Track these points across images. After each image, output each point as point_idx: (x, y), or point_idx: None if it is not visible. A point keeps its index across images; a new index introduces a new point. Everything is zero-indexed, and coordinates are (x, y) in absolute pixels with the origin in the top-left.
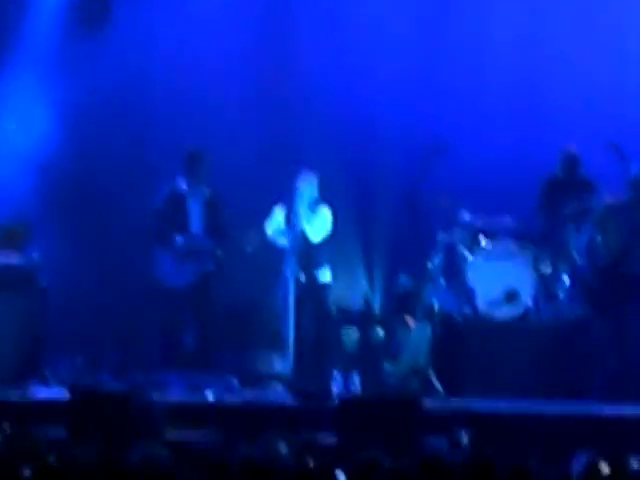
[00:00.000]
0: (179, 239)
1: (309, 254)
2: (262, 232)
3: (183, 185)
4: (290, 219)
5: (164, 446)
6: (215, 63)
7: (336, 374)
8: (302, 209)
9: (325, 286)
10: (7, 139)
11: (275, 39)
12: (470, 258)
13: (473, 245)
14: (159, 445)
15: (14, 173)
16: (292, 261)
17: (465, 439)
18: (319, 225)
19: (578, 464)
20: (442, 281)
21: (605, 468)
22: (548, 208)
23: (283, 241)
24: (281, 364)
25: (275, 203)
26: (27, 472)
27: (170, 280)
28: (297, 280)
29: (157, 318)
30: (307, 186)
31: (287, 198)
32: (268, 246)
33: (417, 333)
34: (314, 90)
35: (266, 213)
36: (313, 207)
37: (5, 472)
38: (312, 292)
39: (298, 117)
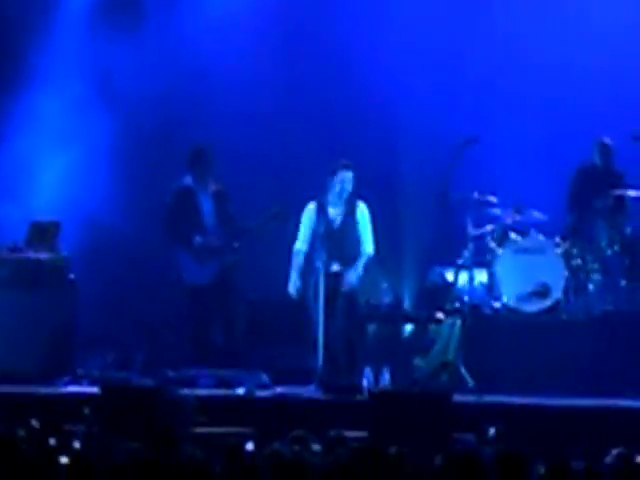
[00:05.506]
0: (198, 239)
1: (339, 245)
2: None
3: (189, 181)
4: (321, 210)
5: (194, 442)
6: (241, 57)
7: (366, 369)
8: (336, 201)
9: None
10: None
11: (302, 31)
12: (500, 252)
13: (503, 239)
14: (191, 443)
15: (48, 168)
16: (323, 252)
17: (493, 434)
18: (361, 219)
19: (610, 458)
20: (472, 275)
21: (639, 461)
22: (579, 200)
23: (316, 231)
24: (312, 359)
25: (309, 195)
26: (64, 460)
27: (193, 278)
28: (327, 272)
29: (186, 314)
30: (344, 180)
31: (319, 190)
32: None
33: (447, 327)
34: (344, 82)
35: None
36: (349, 201)
37: (39, 464)
38: (342, 284)
39: (329, 111)
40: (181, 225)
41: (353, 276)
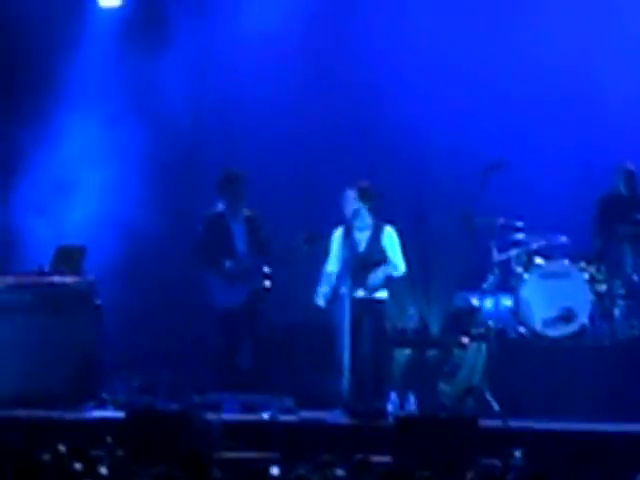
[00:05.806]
0: (228, 263)
1: (364, 271)
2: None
3: (222, 207)
4: (348, 235)
5: (220, 467)
6: (268, 79)
7: (392, 394)
8: (362, 226)
9: (381, 303)
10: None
11: (327, 54)
12: (526, 277)
13: (529, 264)
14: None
15: (80, 188)
16: (348, 278)
17: (519, 458)
18: (388, 243)
19: None
20: (498, 300)
21: None
22: (604, 226)
23: (341, 257)
24: (337, 384)
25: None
26: None
27: (223, 302)
28: (353, 297)
29: (212, 339)
30: (347, 201)
31: (344, 214)
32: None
33: (473, 352)
34: (370, 105)
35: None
36: (375, 226)
37: None
38: (368, 310)
39: (355, 136)
40: (212, 251)
41: (375, 279)
